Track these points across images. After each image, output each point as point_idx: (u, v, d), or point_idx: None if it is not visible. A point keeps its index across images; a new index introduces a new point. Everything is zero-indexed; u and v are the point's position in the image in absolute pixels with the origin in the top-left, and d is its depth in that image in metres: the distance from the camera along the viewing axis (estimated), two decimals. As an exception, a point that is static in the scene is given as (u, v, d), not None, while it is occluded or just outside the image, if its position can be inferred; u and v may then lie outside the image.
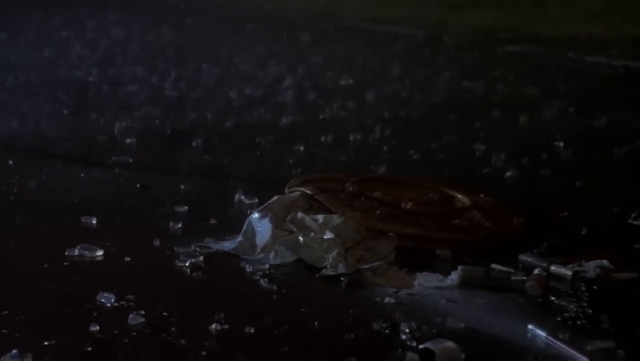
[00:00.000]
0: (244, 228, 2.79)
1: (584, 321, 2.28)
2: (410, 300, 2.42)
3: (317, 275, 2.55)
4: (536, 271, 2.58)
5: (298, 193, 2.96)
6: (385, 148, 4.08)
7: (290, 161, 3.82)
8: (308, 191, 2.92)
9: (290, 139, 4.20)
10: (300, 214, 2.83)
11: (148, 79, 5.73)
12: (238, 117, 4.66)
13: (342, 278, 2.52)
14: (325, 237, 2.68)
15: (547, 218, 3.14)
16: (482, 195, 3.16)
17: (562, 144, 4.18)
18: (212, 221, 2.95)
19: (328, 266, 2.58)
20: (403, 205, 2.91)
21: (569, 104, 5.08)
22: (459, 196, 3.12)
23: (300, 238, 2.67)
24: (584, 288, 2.45)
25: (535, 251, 2.73)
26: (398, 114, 4.86)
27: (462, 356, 2.06)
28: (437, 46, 7.68)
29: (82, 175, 3.53)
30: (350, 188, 2.99)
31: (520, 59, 6.94)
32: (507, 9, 10.13)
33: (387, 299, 2.40)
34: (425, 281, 2.54)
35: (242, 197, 3.21)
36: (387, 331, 2.19)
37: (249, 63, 6.51)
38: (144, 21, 9.25)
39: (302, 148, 4.04)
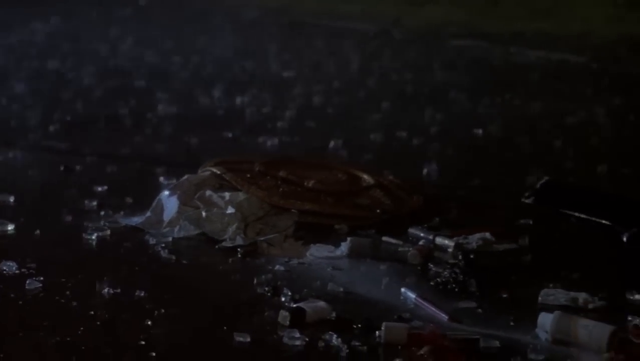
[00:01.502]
0: (154, 204, 2.96)
1: (453, 286, 2.46)
2: (298, 268, 2.59)
3: (217, 247, 2.73)
4: (421, 242, 2.77)
5: (208, 172, 3.13)
6: (305, 134, 4.27)
7: (216, 147, 3.99)
8: (217, 171, 3.09)
9: (220, 127, 4.36)
10: (208, 192, 3.00)
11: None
12: (174, 104, 4.82)
13: (238, 249, 2.70)
14: (227, 212, 2.85)
15: (447, 196, 3.33)
16: (390, 177, 3.35)
17: (480, 131, 4.37)
18: (128, 200, 3.11)
19: (227, 239, 2.76)
20: (305, 183, 3.09)
21: (493, 94, 5.28)
22: (365, 176, 3.30)
23: (204, 213, 2.85)
24: (460, 257, 2.64)
25: (426, 225, 2.92)
26: (328, 102, 5.03)
27: (333, 314, 2.25)
28: (385, 40, 7.85)
29: (6, 157, 3.67)
30: (258, 168, 3.16)
31: (462, 53, 7.12)
32: (462, 6, 10.33)
33: (277, 267, 2.58)
34: (316, 252, 2.72)
35: (161, 178, 3.37)
36: (269, 294, 2.37)
37: (192, 52, 6.68)
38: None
39: (230, 135, 4.21)
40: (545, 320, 2.16)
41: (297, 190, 3.05)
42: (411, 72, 6.11)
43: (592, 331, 2.09)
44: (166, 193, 3.00)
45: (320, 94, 5.24)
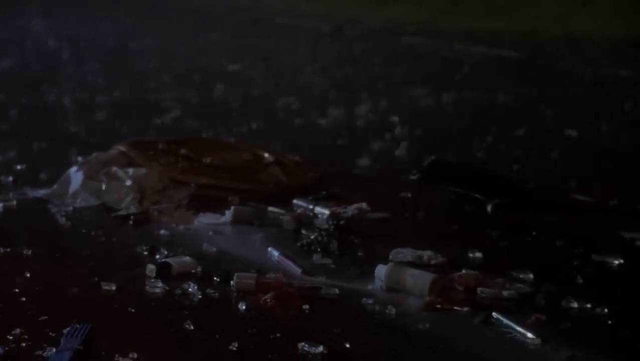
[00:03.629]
0: (61, 178, 3.22)
1: (317, 246, 2.73)
2: (183, 232, 2.85)
3: (112, 215, 2.99)
4: (298, 211, 3.04)
5: (116, 151, 3.39)
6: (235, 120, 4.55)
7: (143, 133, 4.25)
8: (122, 148, 3.35)
9: (153, 114, 4.63)
10: (114, 168, 3.26)
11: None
12: (119, 92, 5.10)
13: (131, 217, 2.96)
14: (125, 184, 3.11)
15: (343, 173, 3.60)
16: (290, 156, 3.62)
17: (397, 118, 4.63)
18: (42, 176, 3.36)
19: (123, 208, 3.02)
20: (204, 160, 3.35)
21: (421, 86, 5.56)
22: (266, 155, 3.56)
23: (103, 185, 3.11)
24: (332, 223, 2.90)
25: (311, 197, 3.18)
26: (262, 93, 5.31)
27: (199, 268, 2.50)
28: (338, 37, 8.13)
29: None
30: (161, 146, 3.43)
31: (408, 49, 7.40)
32: (424, 5, 10.63)
33: (162, 232, 2.84)
34: (203, 219, 2.98)
35: (79, 158, 3.63)
36: (146, 253, 2.63)
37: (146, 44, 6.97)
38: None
39: (160, 121, 4.46)
40: (381, 271, 2.42)
41: (196, 166, 3.32)
42: (351, 66, 6.40)
43: (417, 279, 2.35)
44: (74, 168, 3.26)
45: (258, 86, 5.52)
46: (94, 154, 3.36)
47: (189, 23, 9.10)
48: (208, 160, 3.35)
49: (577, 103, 5.29)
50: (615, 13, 8.47)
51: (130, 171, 3.23)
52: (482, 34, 8.35)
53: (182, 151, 3.39)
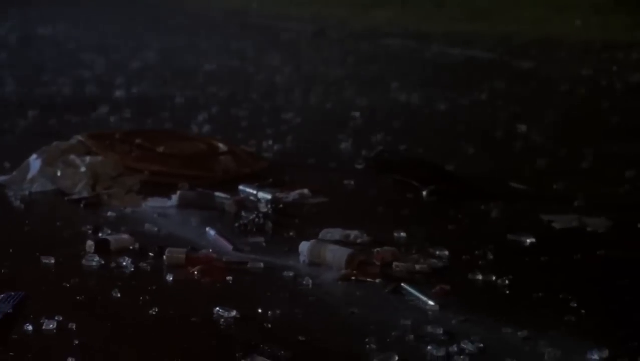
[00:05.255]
0: (21, 165, 3.39)
1: (253, 227, 2.89)
2: (130, 214, 3.03)
3: (65, 198, 3.16)
4: (242, 195, 3.21)
5: (76, 140, 3.57)
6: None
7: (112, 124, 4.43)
8: (81, 138, 3.52)
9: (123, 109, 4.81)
10: (72, 156, 3.43)
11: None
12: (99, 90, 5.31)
13: (83, 200, 3.13)
14: (80, 170, 3.29)
15: (293, 163, 3.77)
16: (243, 146, 3.80)
17: (357, 114, 4.80)
18: (6, 165, 3.53)
19: (76, 193, 3.20)
20: (157, 149, 3.53)
21: (384, 83, 5.75)
22: (220, 145, 3.74)
23: (59, 172, 3.28)
24: (270, 206, 3.07)
25: (257, 183, 3.35)
26: (234, 88, 5.50)
27: (136, 245, 2.67)
28: (320, 39, 8.30)
29: None
30: (117, 136, 3.60)
31: (385, 51, 7.58)
32: (409, 8, 10.81)
33: (109, 213, 3.01)
34: (152, 203, 3.15)
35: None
36: (90, 231, 2.80)
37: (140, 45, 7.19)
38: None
39: (127, 115, 4.64)
40: (304, 246, 2.59)
41: (149, 154, 3.49)
42: (324, 65, 6.57)
43: (335, 254, 2.52)
44: (34, 156, 3.43)
45: (229, 82, 5.72)
46: (54, 143, 3.53)
47: (180, 24, 9.31)
48: (161, 149, 3.53)
49: (531, 100, 5.48)
50: (590, 17, 8.65)
51: (87, 158, 3.40)
52: (461, 36, 8.51)
53: (137, 140, 3.57)
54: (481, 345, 2.03)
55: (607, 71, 6.54)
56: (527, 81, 6.18)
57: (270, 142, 4.04)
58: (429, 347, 2.01)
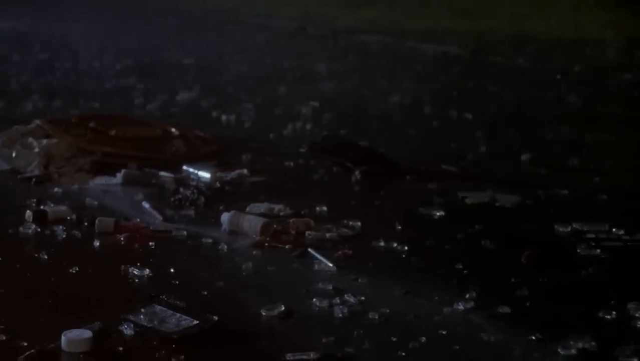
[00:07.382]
0: (-20, 148, 3.62)
1: (187, 202, 3.10)
2: (76, 191, 3.24)
3: (18, 177, 3.38)
4: (183, 174, 3.43)
5: (35, 124, 3.79)
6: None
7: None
8: (38, 122, 3.75)
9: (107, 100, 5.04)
10: (30, 139, 3.66)
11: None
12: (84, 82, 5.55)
13: (34, 178, 3.35)
14: (34, 151, 3.51)
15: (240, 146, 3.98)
16: (195, 131, 4.01)
17: (317, 103, 5.01)
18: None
19: (28, 171, 3.42)
20: (110, 132, 3.75)
21: (351, 77, 5.96)
22: (173, 130, 3.96)
23: (14, 153, 3.50)
24: (203, 185, 3.29)
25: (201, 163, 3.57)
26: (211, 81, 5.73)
27: (73, 216, 2.88)
28: (299, 36, 8.52)
29: None
30: (73, 120, 3.82)
31: (360, 47, 7.79)
32: (394, 7, 11.03)
33: (56, 190, 3.22)
34: (99, 180, 3.37)
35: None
36: (33, 205, 3.01)
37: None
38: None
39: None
40: (225, 217, 2.80)
41: (102, 137, 3.71)
42: (298, 60, 6.79)
43: (251, 222, 2.74)
44: (-6, 138, 3.66)
45: (204, 75, 5.95)
46: (14, 127, 3.76)
47: (172, 23, 9.55)
48: (113, 132, 3.75)
49: (481, 92, 5.71)
50: (566, 15, 8.85)
51: (44, 141, 3.63)
52: (439, 33, 8.73)
53: (91, 124, 3.79)
54: (362, 298, 2.24)
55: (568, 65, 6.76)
56: (488, 75, 6.40)
57: (228, 127, 4.28)
58: (314, 299, 2.23)
